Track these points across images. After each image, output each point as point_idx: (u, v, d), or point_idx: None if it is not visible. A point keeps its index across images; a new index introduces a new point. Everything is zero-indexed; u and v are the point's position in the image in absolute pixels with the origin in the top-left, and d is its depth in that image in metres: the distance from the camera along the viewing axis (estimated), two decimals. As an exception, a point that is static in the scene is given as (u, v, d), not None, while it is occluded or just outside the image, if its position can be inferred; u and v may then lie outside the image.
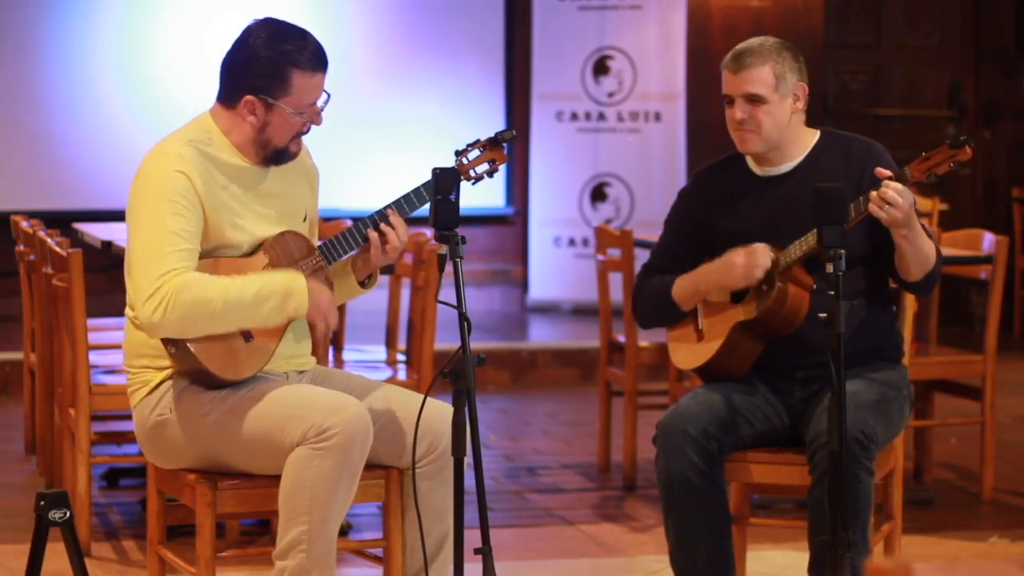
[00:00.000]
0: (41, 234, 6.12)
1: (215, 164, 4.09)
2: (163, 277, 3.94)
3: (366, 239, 4.16)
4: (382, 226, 4.15)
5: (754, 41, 4.45)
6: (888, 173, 4.21)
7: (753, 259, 4.36)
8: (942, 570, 5.19)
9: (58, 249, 5.54)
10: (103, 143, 10.03)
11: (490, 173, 4.32)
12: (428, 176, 3.98)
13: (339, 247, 4.17)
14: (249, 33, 4.10)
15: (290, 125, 4.11)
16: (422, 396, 4.09)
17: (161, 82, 10.04)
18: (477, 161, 4.29)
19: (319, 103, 4.12)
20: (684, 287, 4.50)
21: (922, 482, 6.50)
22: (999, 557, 5.56)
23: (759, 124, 4.41)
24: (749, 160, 4.54)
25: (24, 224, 6.65)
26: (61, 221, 7.85)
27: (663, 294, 4.54)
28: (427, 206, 4.02)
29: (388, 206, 4.17)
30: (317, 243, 4.22)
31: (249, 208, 4.12)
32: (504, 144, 4.30)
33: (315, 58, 4.09)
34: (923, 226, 4.33)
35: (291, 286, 4.05)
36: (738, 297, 4.45)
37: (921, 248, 4.30)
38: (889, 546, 4.65)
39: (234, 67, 4.11)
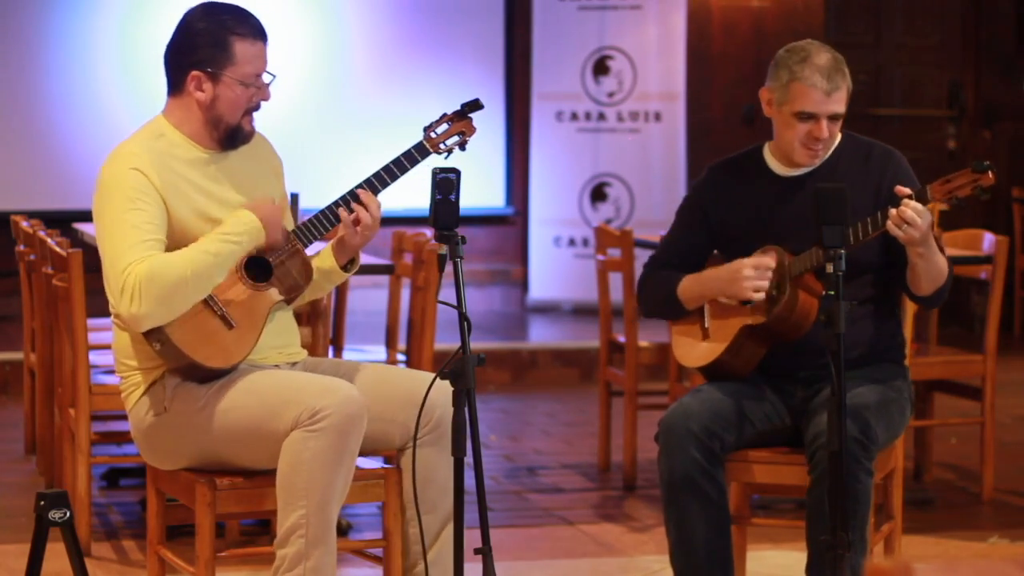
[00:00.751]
0: (41, 234, 6.12)
1: (172, 158, 4.13)
2: (127, 269, 3.97)
3: (340, 218, 4.17)
4: (354, 205, 4.16)
5: (825, 52, 4.33)
6: (908, 191, 4.15)
7: (761, 272, 4.30)
8: (942, 570, 5.19)
9: (58, 249, 5.54)
10: (103, 143, 9.93)
11: (461, 146, 4.32)
12: (427, 175, 3.97)
13: (313, 229, 4.18)
14: (185, 17, 4.18)
15: (238, 97, 4.13)
16: (410, 370, 4.15)
17: (161, 83, 10.01)
18: (445, 135, 4.29)
19: (265, 78, 4.14)
20: (690, 288, 4.48)
21: (922, 482, 6.50)
22: (999, 557, 5.55)
23: (832, 139, 4.39)
24: (769, 159, 4.49)
25: (24, 224, 6.65)
26: (61, 221, 7.85)
27: (669, 291, 4.51)
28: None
29: (359, 185, 4.18)
30: (291, 227, 4.23)
31: (214, 198, 4.14)
32: (471, 115, 4.30)
33: (255, 28, 4.15)
34: (935, 238, 4.27)
35: (245, 223, 4.09)
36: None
37: (935, 264, 4.27)
38: (889, 546, 4.65)
39: (176, 50, 4.19)
